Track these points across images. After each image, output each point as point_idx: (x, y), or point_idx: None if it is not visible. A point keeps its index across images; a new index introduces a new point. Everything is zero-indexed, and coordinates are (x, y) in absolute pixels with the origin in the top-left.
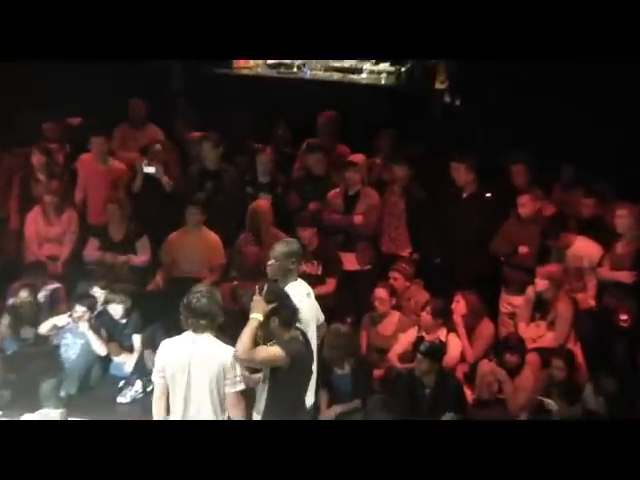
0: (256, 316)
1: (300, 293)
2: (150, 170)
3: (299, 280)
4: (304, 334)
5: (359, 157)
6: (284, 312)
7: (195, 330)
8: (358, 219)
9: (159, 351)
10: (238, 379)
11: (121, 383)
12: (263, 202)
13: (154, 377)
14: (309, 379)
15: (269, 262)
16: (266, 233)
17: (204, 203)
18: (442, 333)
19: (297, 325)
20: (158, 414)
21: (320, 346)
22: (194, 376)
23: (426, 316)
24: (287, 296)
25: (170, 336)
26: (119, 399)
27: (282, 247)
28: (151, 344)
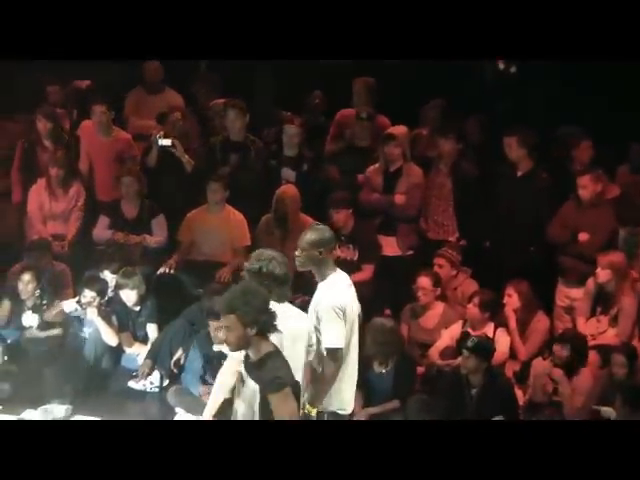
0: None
1: (341, 286)
2: (166, 143)
3: (338, 271)
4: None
5: (400, 129)
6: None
7: (280, 300)
8: (399, 199)
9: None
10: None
11: (140, 361)
12: (290, 189)
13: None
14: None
15: (296, 252)
16: (294, 220)
17: (227, 179)
18: (490, 328)
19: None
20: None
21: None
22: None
23: (473, 309)
24: (248, 302)
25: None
26: (131, 383)
27: (308, 235)
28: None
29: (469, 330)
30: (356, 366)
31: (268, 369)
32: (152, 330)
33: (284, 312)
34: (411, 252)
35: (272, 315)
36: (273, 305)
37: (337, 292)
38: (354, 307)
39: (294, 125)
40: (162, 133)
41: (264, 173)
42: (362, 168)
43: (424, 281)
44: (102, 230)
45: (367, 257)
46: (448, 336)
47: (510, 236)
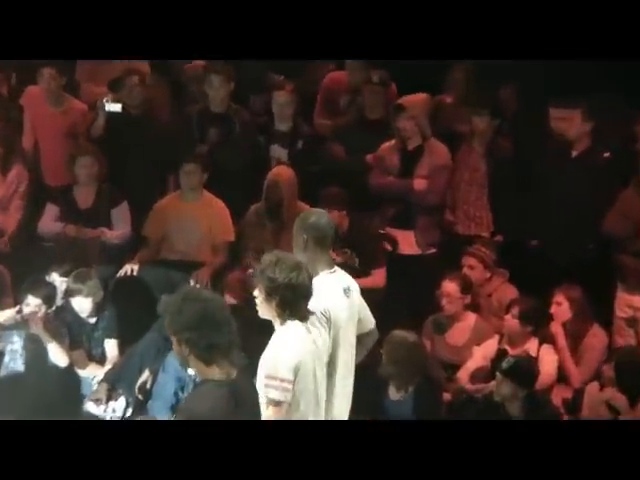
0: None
1: (332, 288)
2: (114, 108)
3: (336, 270)
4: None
5: (412, 98)
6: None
7: (303, 319)
8: (419, 184)
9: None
10: None
11: (95, 386)
12: (284, 171)
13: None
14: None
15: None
16: (289, 209)
17: (206, 159)
18: (533, 345)
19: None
20: None
21: (369, 361)
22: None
23: (511, 321)
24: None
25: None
26: (87, 405)
27: (297, 222)
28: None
29: (506, 347)
30: (349, 388)
31: (189, 399)
32: (111, 347)
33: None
34: (433, 250)
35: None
36: (289, 326)
37: (322, 294)
38: (350, 316)
39: (285, 92)
40: (110, 97)
41: (251, 152)
42: (373, 146)
43: (450, 286)
44: (50, 222)
45: (372, 260)
46: (481, 355)
47: (559, 231)
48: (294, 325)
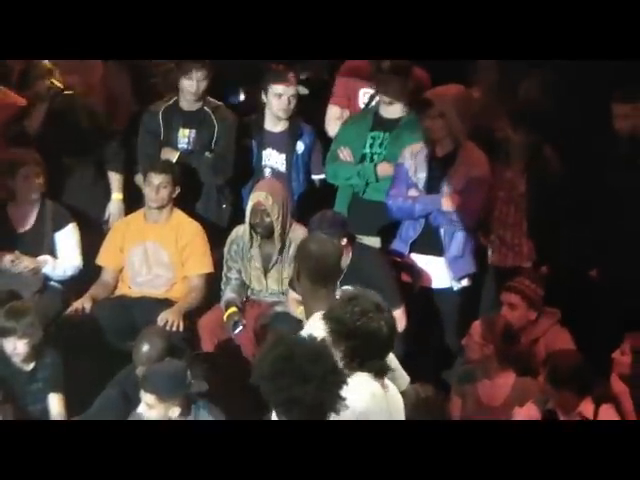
0: None
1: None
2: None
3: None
4: None
5: (444, 90)
6: None
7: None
8: (449, 202)
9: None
10: None
11: None
12: (274, 186)
13: None
14: None
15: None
16: (282, 233)
17: (177, 168)
18: (588, 406)
19: None
20: None
21: None
22: None
23: (545, 384)
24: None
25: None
26: None
27: (297, 248)
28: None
29: (555, 408)
30: None
31: None
32: (56, 404)
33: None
34: (465, 283)
35: None
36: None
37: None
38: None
39: (284, 83)
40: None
41: (236, 159)
42: (394, 152)
43: (475, 328)
44: None
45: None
46: (524, 417)
47: (623, 259)
48: (363, 379)
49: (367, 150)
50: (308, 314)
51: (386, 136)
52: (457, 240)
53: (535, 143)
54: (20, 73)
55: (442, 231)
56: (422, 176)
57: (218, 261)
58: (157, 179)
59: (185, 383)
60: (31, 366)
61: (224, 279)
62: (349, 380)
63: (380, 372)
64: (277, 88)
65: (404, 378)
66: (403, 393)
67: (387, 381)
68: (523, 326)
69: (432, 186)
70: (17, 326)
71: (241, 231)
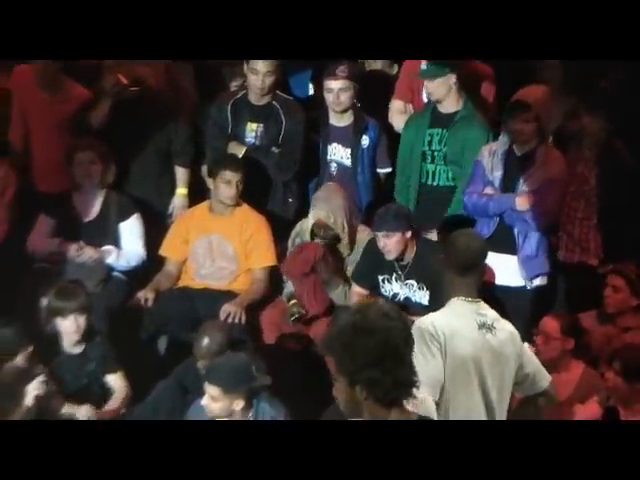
0: None
1: (461, 313)
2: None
3: (480, 302)
4: None
5: (537, 93)
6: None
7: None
8: (523, 201)
9: None
10: None
11: None
12: (335, 195)
13: None
14: None
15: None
16: (350, 240)
17: (244, 163)
18: None
19: None
20: None
21: None
22: None
23: (614, 378)
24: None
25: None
26: None
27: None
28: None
29: (618, 407)
30: None
31: None
32: (116, 381)
33: None
34: (539, 282)
35: None
36: None
37: (442, 313)
38: (470, 350)
39: (339, 77)
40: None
41: (303, 153)
42: (454, 149)
43: (550, 325)
44: (42, 238)
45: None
46: (583, 416)
47: None
48: None
49: (426, 148)
50: (446, 299)
51: (444, 133)
52: (531, 240)
53: (607, 137)
54: (91, 65)
55: (516, 230)
56: (498, 174)
57: (282, 254)
58: (234, 177)
59: (250, 376)
60: (82, 348)
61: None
62: None
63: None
64: (327, 83)
65: (544, 380)
66: (545, 392)
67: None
68: (621, 311)
69: (508, 184)
70: (71, 305)
71: (305, 225)
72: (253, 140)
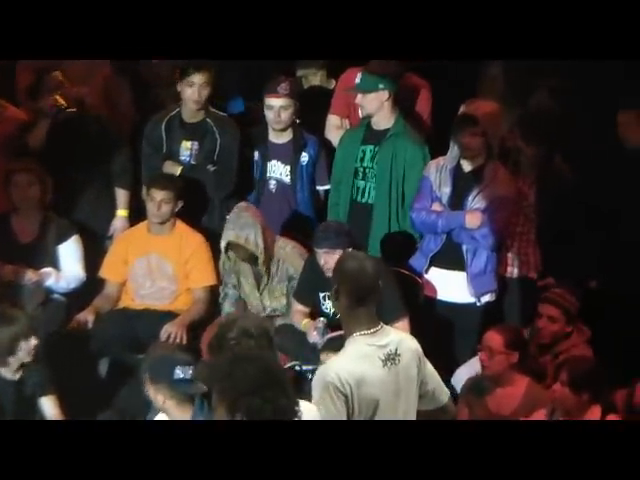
0: None
1: (363, 355)
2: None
3: (381, 329)
4: None
5: (487, 108)
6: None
7: None
8: (472, 219)
9: None
10: None
11: None
12: (247, 217)
13: None
14: None
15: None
16: (265, 258)
17: (177, 184)
18: (595, 415)
19: None
20: None
21: None
22: None
23: (561, 389)
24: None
25: None
26: None
27: (335, 266)
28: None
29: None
30: None
31: None
32: (50, 407)
33: None
34: (487, 298)
35: None
36: None
37: (342, 361)
38: (378, 390)
39: (274, 95)
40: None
41: (240, 170)
42: (383, 166)
43: (494, 339)
44: None
45: (393, 311)
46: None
47: (631, 272)
48: None
49: (358, 164)
50: (347, 333)
51: (376, 149)
52: (480, 257)
53: (546, 154)
54: (29, 87)
55: (464, 247)
56: (447, 190)
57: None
58: (159, 195)
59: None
60: (18, 375)
61: (221, 294)
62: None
63: None
64: (268, 100)
65: (444, 394)
66: (444, 407)
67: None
68: (558, 339)
69: (456, 201)
70: (10, 330)
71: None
72: (188, 158)
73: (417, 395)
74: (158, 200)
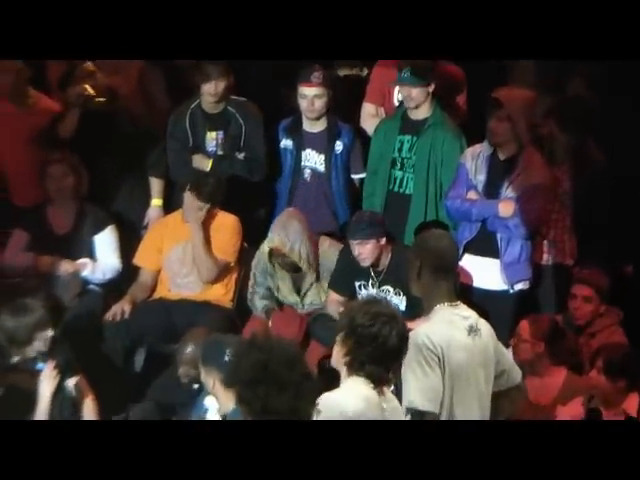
0: None
1: (451, 322)
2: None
3: (460, 304)
4: None
5: (514, 93)
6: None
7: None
8: (506, 208)
9: None
10: None
11: None
12: (290, 223)
13: None
14: None
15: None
16: (308, 265)
17: (210, 186)
18: (632, 403)
19: None
20: None
21: None
22: None
23: (597, 376)
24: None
25: None
26: None
27: (413, 245)
28: None
29: (599, 407)
30: None
31: None
32: (74, 389)
33: None
34: (521, 286)
35: None
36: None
37: (434, 327)
38: (464, 357)
39: (307, 84)
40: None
41: (275, 160)
42: (423, 156)
43: (523, 327)
44: (16, 252)
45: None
46: (566, 417)
47: None
48: (357, 383)
49: (396, 154)
50: (429, 308)
51: (414, 140)
52: (514, 245)
53: (580, 141)
54: (60, 77)
55: (499, 236)
56: (482, 178)
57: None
58: (188, 197)
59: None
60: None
61: (250, 290)
62: (343, 383)
63: (378, 380)
64: (301, 89)
65: (517, 374)
66: (519, 386)
67: (389, 394)
68: (591, 319)
69: (491, 189)
70: (26, 320)
71: (262, 250)
72: (215, 149)
73: (494, 373)
74: (195, 206)
